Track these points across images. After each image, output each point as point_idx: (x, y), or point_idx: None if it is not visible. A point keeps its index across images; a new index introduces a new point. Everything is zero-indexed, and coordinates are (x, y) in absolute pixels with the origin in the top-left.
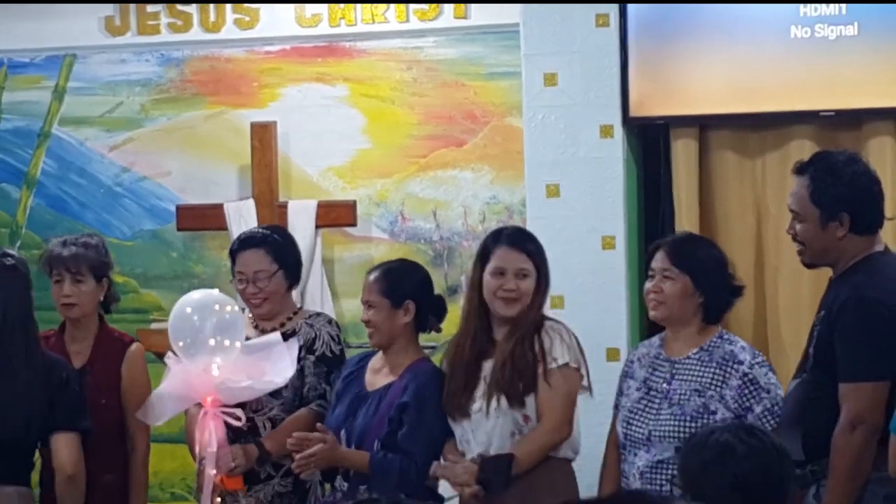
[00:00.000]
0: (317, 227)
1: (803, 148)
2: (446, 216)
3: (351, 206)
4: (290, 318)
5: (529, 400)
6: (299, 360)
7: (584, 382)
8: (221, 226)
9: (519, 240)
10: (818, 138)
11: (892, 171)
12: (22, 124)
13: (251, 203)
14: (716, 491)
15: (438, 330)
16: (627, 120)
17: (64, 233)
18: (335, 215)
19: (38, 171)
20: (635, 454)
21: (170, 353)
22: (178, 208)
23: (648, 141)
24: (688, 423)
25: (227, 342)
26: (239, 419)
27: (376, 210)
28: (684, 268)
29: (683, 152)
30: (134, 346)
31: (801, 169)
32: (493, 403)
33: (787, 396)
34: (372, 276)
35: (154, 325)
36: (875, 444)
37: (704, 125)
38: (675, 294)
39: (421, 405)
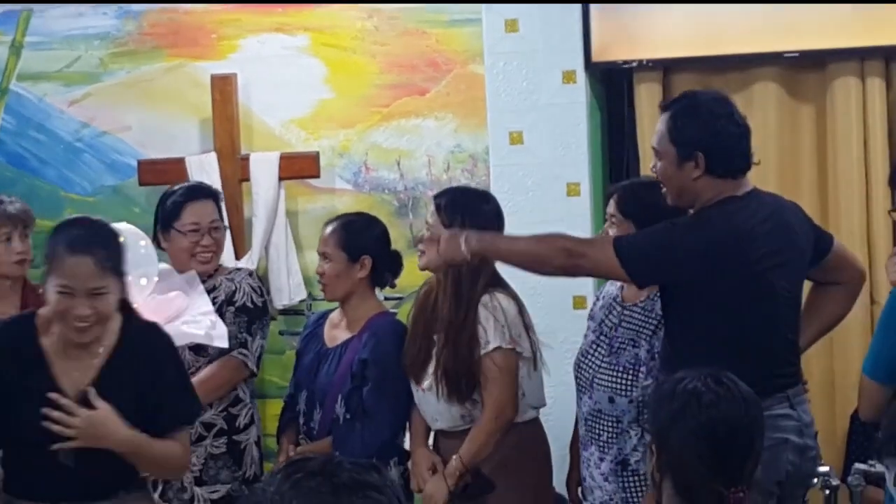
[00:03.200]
0: (280, 179)
1: (767, 90)
2: (410, 166)
3: (314, 158)
4: (210, 276)
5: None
6: (220, 313)
7: (526, 355)
8: (183, 179)
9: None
10: (782, 80)
11: (856, 111)
12: None
13: (213, 156)
14: (681, 441)
15: (393, 286)
16: (590, 65)
17: (25, 190)
18: (298, 167)
19: None
20: (581, 398)
21: None
22: (140, 163)
23: (612, 86)
24: (620, 375)
25: (139, 279)
26: None
27: (339, 161)
28: (628, 214)
29: (647, 96)
30: None
31: (666, 106)
32: (441, 388)
33: None
34: (329, 228)
35: None
36: None
37: (668, 68)
38: None
39: (384, 365)
